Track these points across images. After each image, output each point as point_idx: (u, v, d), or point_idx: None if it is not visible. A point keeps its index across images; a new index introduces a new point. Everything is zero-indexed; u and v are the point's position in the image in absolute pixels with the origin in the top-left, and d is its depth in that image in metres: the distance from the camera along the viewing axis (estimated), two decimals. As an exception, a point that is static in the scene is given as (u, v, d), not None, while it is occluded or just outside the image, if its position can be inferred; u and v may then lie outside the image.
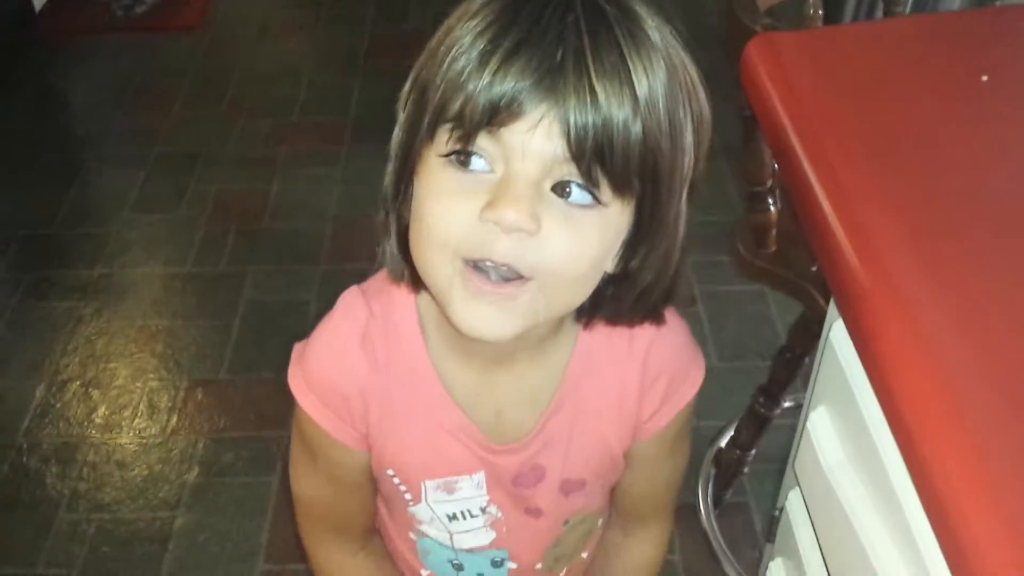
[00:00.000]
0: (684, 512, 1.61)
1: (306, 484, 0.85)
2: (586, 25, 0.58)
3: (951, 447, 0.59)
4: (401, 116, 0.66)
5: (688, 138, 0.64)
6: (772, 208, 1.20)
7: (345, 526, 0.87)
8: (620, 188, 0.61)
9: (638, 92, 0.58)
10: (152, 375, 1.88)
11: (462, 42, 0.59)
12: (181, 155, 2.45)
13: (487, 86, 0.57)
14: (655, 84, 0.60)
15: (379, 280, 0.76)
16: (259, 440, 1.75)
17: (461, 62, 0.59)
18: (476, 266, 0.61)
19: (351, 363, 0.75)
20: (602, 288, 0.68)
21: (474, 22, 0.59)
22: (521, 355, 0.75)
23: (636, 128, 0.59)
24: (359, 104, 2.60)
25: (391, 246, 0.70)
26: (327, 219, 2.24)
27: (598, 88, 0.57)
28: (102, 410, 1.81)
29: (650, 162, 0.61)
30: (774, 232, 1.22)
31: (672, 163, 0.63)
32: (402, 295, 0.74)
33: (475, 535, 0.84)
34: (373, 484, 0.84)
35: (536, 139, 0.58)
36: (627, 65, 0.58)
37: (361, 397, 0.75)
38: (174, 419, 1.79)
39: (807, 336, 1.33)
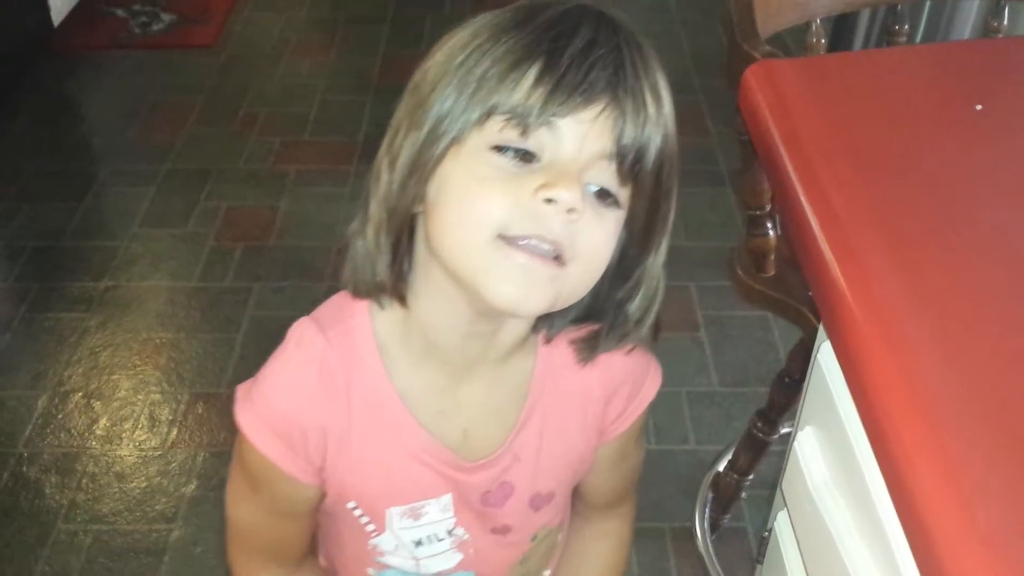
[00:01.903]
0: (680, 535, 1.61)
1: (244, 510, 0.83)
2: (631, 46, 0.64)
3: (932, 470, 0.59)
4: (429, 94, 0.65)
5: (678, 162, 0.69)
6: (771, 232, 1.21)
7: (279, 551, 0.85)
8: (639, 195, 0.66)
9: (666, 110, 0.65)
10: (154, 387, 1.89)
11: (516, 44, 0.62)
12: (192, 171, 2.47)
13: (558, 75, 0.61)
14: (671, 108, 0.66)
15: (330, 308, 0.75)
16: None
17: (528, 53, 0.61)
18: (513, 243, 0.62)
19: (310, 395, 0.73)
20: (606, 299, 0.72)
21: (518, 32, 0.63)
22: (485, 370, 0.75)
23: (660, 137, 0.65)
24: (370, 124, 2.62)
25: (371, 244, 0.69)
26: (334, 237, 2.25)
27: (648, 99, 0.64)
28: (103, 421, 1.82)
29: (666, 170, 0.66)
30: (772, 256, 1.23)
31: (675, 173, 0.68)
32: (358, 320, 0.73)
33: (442, 559, 0.83)
34: (315, 514, 0.82)
35: (593, 133, 0.62)
36: (659, 79, 0.65)
37: (320, 430, 0.73)
38: (174, 432, 1.80)
39: (805, 361, 1.32)
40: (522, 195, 0.62)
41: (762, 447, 1.49)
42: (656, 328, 0.76)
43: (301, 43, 3.05)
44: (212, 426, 1.81)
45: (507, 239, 0.62)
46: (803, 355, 1.33)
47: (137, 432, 1.80)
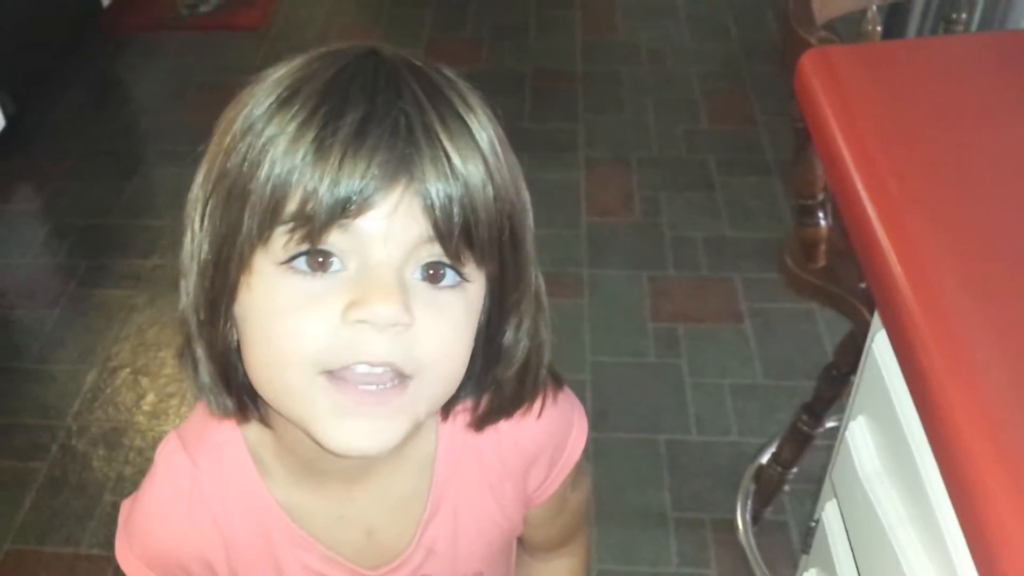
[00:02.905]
0: (720, 526, 1.60)
1: None
2: (422, 91, 0.54)
3: (988, 460, 0.58)
4: (199, 223, 0.56)
5: (525, 191, 0.60)
6: (822, 222, 1.20)
7: None
8: (484, 261, 0.56)
9: (486, 155, 0.55)
10: (200, 365, 1.91)
11: (284, 131, 0.52)
12: (238, 152, 2.49)
13: (334, 177, 0.50)
14: (492, 139, 0.56)
15: (195, 422, 0.68)
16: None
17: (291, 155, 0.51)
18: (343, 376, 0.54)
19: (183, 529, 0.66)
20: (480, 377, 0.63)
21: (292, 108, 0.53)
22: (380, 465, 0.66)
23: (490, 190, 0.54)
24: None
25: (205, 374, 0.60)
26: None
27: (454, 158, 0.53)
28: (150, 397, 1.85)
29: (507, 225, 0.56)
30: (823, 247, 1.21)
31: (524, 223, 0.59)
32: (226, 435, 0.66)
33: None
34: None
35: (398, 222, 0.52)
36: (470, 130, 0.54)
37: (203, 562, 0.67)
38: (219, 409, 1.82)
39: (854, 354, 1.31)
40: (330, 319, 0.52)
41: (807, 440, 1.48)
42: (556, 379, 0.69)
43: (346, 26, 3.06)
44: (256, 405, 1.83)
45: (330, 375, 0.53)
46: (851, 348, 1.32)
47: (183, 409, 1.83)
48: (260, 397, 0.60)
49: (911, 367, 0.67)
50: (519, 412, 0.66)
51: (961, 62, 0.98)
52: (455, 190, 0.53)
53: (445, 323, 0.55)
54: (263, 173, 0.52)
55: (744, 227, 2.21)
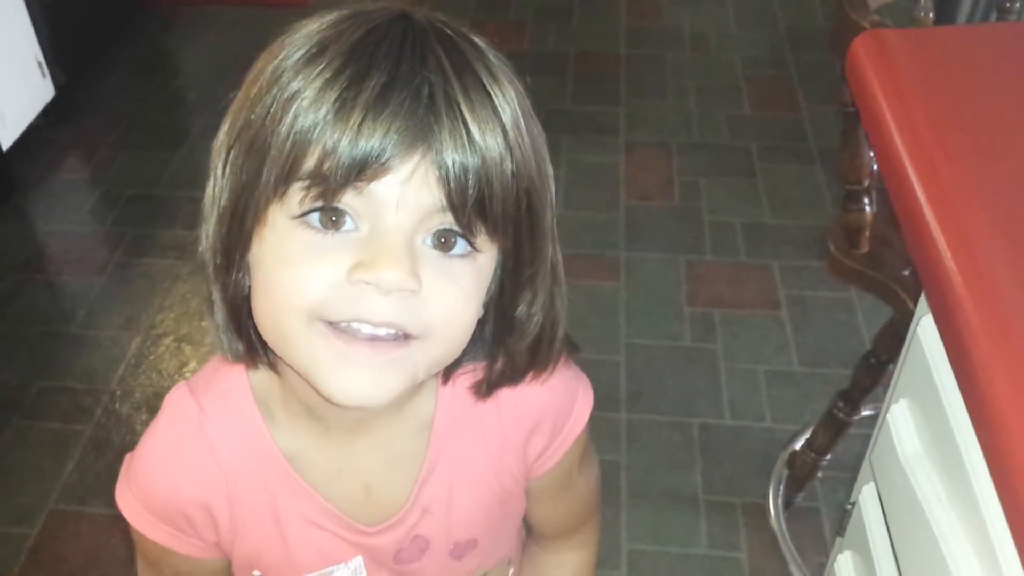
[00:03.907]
0: (752, 510, 1.61)
1: None
2: (448, 60, 0.53)
3: (1035, 445, 0.58)
4: (222, 170, 0.57)
5: (548, 166, 0.60)
6: (867, 208, 1.19)
7: None
8: (497, 233, 0.56)
9: (507, 129, 0.54)
10: (241, 335, 1.94)
11: (309, 86, 0.52)
12: (282, 127, 2.51)
13: (353, 138, 0.51)
14: (516, 112, 0.55)
15: (206, 371, 0.69)
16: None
17: (313, 111, 0.52)
18: (342, 328, 0.54)
19: (185, 473, 0.67)
20: (492, 346, 0.64)
21: (318, 65, 0.53)
22: (380, 420, 0.67)
23: (509, 164, 0.54)
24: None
25: (219, 317, 0.61)
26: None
27: (474, 130, 0.53)
28: (192, 365, 1.88)
29: (524, 200, 0.56)
30: (867, 233, 1.21)
31: (543, 199, 0.59)
32: (233, 381, 0.66)
33: None
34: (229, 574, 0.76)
35: (411, 190, 0.52)
36: (494, 102, 0.54)
37: (203, 508, 0.68)
38: (259, 379, 1.85)
39: (894, 342, 1.31)
40: (335, 275, 0.53)
41: (842, 427, 1.48)
42: (571, 347, 0.68)
43: (393, 3, 3.07)
44: (295, 375, 1.86)
45: (331, 325, 0.54)
46: (891, 336, 1.32)
47: (223, 377, 1.86)
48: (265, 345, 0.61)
49: (957, 352, 0.68)
50: (529, 379, 0.67)
51: (1014, 49, 0.97)
52: (472, 162, 0.53)
53: (453, 289, 0.56)
54: (284, 127, 0.52)
55: (784, 214, 2.20)
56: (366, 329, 0.54)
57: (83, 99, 2.60)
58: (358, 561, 0.72)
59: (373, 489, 0.70)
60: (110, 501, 1.63)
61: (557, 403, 0.72)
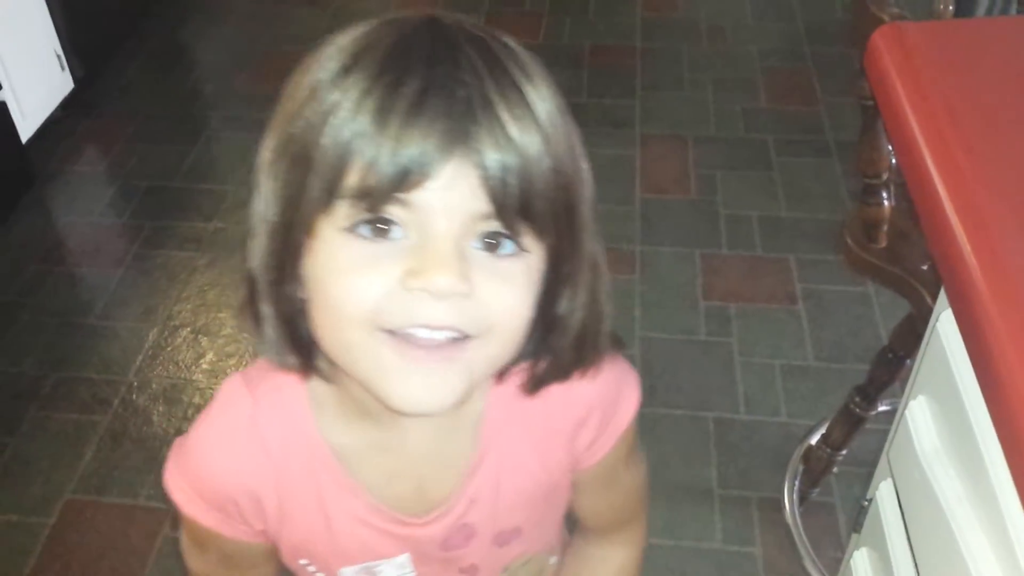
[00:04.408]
0: (766, 505, 1.60)
1: (198, 564, 0.78)
2: (480, 61, 0.54)
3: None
4: (267, 185, 0.58)
5: (584, 161, 0.60)
6: (886, 202, 1.19)
7: None
8: (542, 232, 0.57)
9: (544, 126, 0.55)
10: (257, 327, 1.95)
11: (346, 98, 0.53)
12: (298, 120, 2.52)
13: (393, 149, 0.52)
14: (551, 109, 0.56)
15: (263, 363, 0.68)
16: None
17: (352, 122, 0.53)
18: (401, 335, 0.55)
19: (237, 460, 0.68)
20: (537, 343, 0.64)
21: (353, 75, 0.54)
22: (434, 421, 0.68)
23: (547, 160, 0.55)
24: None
25: (271, 331, 0.61)
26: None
27: (511, 129, 0.53)
28: (209, 356, 1.89)
29: (563, 200, 0.57)
30: (886, 227, 1.21)
31: (581, 195, 0.59)
32: (288, 378, 0.67)
33: None
34: (275, 560, 0.77)
35: (455, 195, 0.53)
36: (528, 100, 0.55)
37: (252, 496, 0.69)
38: (275, 371, 1.86)
39: (911, 337, 1.30)
40: (387, 282, 0.54)
41: (858, 423, 1.47)
42: (616, 342, 0.69)
43: (415, 7, 3.07)
44: (311, 368, 1.86)
45: (391, 333, 0.55)
46: (909, 331, 1.31)
47: (241, 369, 1.86)
48: (323, 355, 0.62)
49: (977, 347, 0.67)
50: (573, 377, 0.67)
51: (1037, 42, 0.96)
52: (512, 161, 0.53)
53: (505, 287, 0.56)
54: (325, 140, 0.53)
55: (801, 208, 2.19)
56: (423, 333, 0.55)
57: (101, 92, 2.62)
58: (405, 558, 0.73)
59: (423, 485, 0.71)
60: (127, 491, 1.65)
61: (604, 397, 0.72)
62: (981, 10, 1.97)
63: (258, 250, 0.59)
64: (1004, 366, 0.63)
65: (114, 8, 2.73)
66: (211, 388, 1.83)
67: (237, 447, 0.68)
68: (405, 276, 0.54)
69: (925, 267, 1.15)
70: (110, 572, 1.55)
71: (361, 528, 0.71)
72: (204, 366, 1.87)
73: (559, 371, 0.66)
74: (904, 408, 0.84)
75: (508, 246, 0.56)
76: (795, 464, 1.64)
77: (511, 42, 0.58)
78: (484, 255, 0.56)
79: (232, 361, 1.88)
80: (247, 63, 2.73)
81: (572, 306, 0.62)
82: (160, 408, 1.79)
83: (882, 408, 1.49)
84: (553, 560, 0.87)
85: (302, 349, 0.62)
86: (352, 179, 0.53)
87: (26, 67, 2.30)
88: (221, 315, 1.98)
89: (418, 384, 0.56)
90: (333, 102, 0.54)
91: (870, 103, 1.08)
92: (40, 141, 2.36)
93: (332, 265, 0.55)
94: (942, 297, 0.79)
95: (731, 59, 2.70)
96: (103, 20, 2.66)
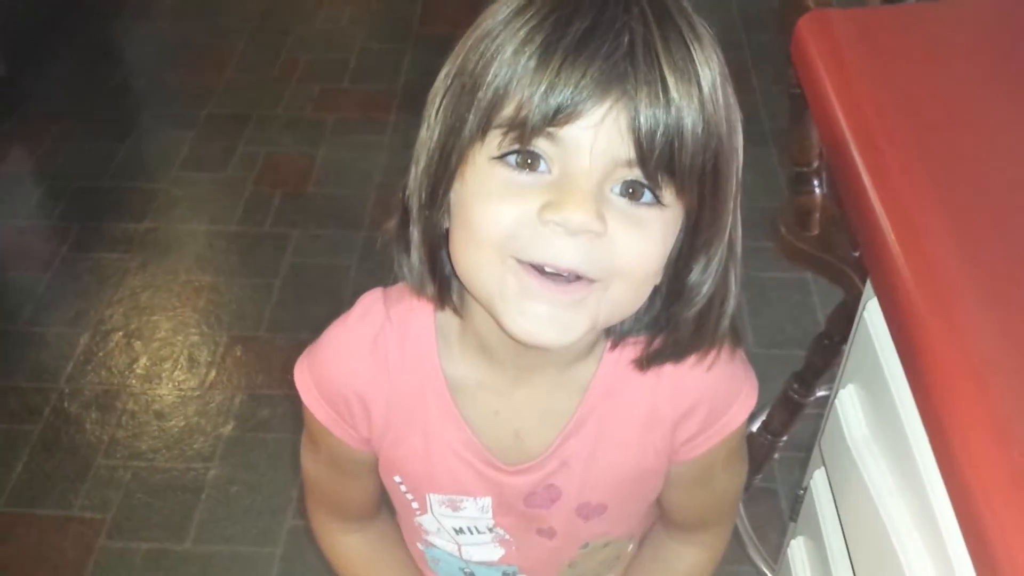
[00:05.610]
0: (711, 494, 1.61)
1: (309, 464, 0.84)
2: (651, 11, 0.55)
3: (978, 431, 0.58)
4: (434, 116, 0.61)
5: (739, 136, 0.61)
6: (817, 190, 1.19)
7: (342, 508, 0.86)
8: (683, 191, 0.57)
9: (703, 87, 0.55)
10: (193, 329, 1.91)
11: (515, 35, 0.55)
12: (232, 116, 2.47)
13: (549, 85, 0.53)
14: (715, 78, 0.57)
15: (404, 287, 0.72)
16: (294, 398, 1.73)
17: (516, 57, 0.55)
18: (530, 266, 0.57)
19: (355, 365, 0.72)
20: (659, 314, 0.65)
21: (526, 15, 0.56)
22: (546, 373, 0.70)
23: (701, 127, 0.55)
24: (409, 72, 2.60)
25: (416, 257, 0.65)
26: (372, 186, 2.25)
27: (670, 82, 0.54)
28: (143, 361, 1.85)
29: (711, 164, 0.57)
30: (817, 215, 1.21)
31: (729, 164, 0.60)
32: (423, 305, 0.70)
33: (483, 549, 0.82)
34: (376, 477, 0.81)
35: (602, 137, 0.54)
36: (693, 58, 0.55)
37: (362, 402, 0.73)
38: (212, 373, 1.82)
39: (846, 323, 1.31)
40: (527, 212, 0.56)
41: (797, 409, 1.48)
42: (736, 337, 0.69)
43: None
44: (249, 369, 1.83)
45: (522, 263, 0.57)
46: (844, 317, 1.32)
47: (176, 372, 1.83)
48: (458, 287, 0.66)
49: (902, 335, 0.67)
50: (689, 359, 0.68)
51: (960, 27, 0.97)
52: (663, 113, 0.54)
53: (639, 233, 0.57)
54: (490, 74, 0.56)
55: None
56: (549, 270, 0.57)
57: (27, 90, 2.54)
58: (487, 501, 0.76)
59: (521, 435, 0.73)
60: (61, 502, 1.60)
61: (717, 393, 0.72)
62: (910, -4, 1.99)
63: (418, 174, 0.62)
64: (928, 354, 0.63)
65: (39, 4, 2.65)
66: (145, 394, 1.79)
67: (360, 354, 0.72)
68: (543, 208, 0.55)
69: (857, 254, 1.16)
70: (44, 587, 1.51)
71: (455, 460, 0.73)
72: (138, 371, 1.83)
73: (676, 348, 0.67)
74: (835, 397, 0.85)
75: (647, 197, 0.57)
76: (737, 451, 1.64)
77: (687, 3, 0.58)
78: (623, 201, 0.57)
79: (167, 365, 1.84)
80: (177, 58, 2.67)
81: (702, 278, 0.63)
82: (93, 415, 1.74)
83: (820, 394, 1.50)
84: (631, 547, 0.88)
85: (441, 281, 0.66)
86: (508, 110, 0.55)
87: (-55, 66, 2.23)
88: (154, 318, 1.93)
89: (536, 315, 0.58)
90: (502, 39, 0.56)
91: (798, 91, 1.08)
92: (-37, 142, 2.29)
93: (478, 190, 0.58)
94: (869, 286, 0.79)
95: (668, 48, 2.70)
96: (27, 17, 2.58)
